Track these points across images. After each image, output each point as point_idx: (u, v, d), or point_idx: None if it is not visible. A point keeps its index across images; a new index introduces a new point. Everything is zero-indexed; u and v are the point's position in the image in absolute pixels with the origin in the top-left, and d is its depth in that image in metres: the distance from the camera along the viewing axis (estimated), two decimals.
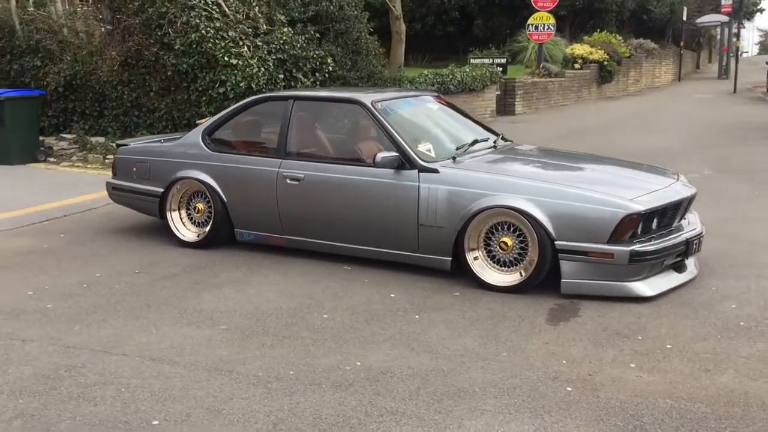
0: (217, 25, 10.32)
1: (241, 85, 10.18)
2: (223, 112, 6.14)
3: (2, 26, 12.72)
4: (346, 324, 4.31)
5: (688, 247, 4.87)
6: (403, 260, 5.28)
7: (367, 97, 5.50)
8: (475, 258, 4.96)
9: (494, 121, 16.31)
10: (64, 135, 12.07)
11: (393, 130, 5.26)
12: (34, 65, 12.39)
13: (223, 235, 5.96)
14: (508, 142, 6.06)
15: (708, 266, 5.36)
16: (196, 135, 6.13)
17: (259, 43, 10.50)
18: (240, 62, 10.25)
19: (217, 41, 10.25)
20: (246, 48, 10.41)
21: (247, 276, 5.28)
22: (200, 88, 10.51)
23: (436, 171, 5.07)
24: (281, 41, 10.60)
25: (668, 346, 3.96)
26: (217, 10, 10.46)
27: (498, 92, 17.50)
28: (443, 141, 5.57)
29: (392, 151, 5.14)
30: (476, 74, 15.55)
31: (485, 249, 4.97)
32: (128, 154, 6.46)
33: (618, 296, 4.66)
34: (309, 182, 5.48)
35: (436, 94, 6.50)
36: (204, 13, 10.34)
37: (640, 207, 4.58)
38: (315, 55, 10.99)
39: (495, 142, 5.80)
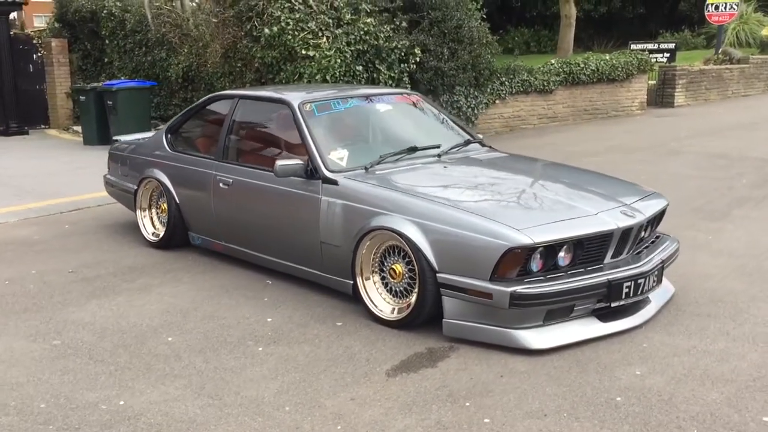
0: (298, 16, 10.18)
1: (316, 77, 10.00)
2: (185, 110, 5.98)
3: (141, 20, 13.61)
4: (174, 352, 3.94)
5: (611, 291, 3.88)
6: (313, 279, 4.78)
7: (297, 97, 5.03)
8: (368, 284, 4.35)
9: (642, 114, 14.76)
10: None
11: (309, 134, 4.76)
12: (161, 57, 13.15)
13: (178, 236, 5.80)
14: (474, 149, 5.26)
15: (680, 312, 4.32)
16: (161, 133, 6.03)
17: (338, 34, 10.21)
18: (317, 54, 10.06)
19: (296, 33, 10.13)
20: (325, 39, 10.18)
21: (162, 283, 5.07)
22: (283, 81, 10.47)
23: (335, 183, 4.51)
24: (363, 31, 10.23)
25: (486, 420, 3.15)
26: (300, 0, 10.31)
27: (653, 82, 15.77)
28: (373, 148, 4.95)
29: (295, 159, 4.65)
30: (618, 62, 14.09)
31: (380, 275, 4.34)
32: (117, 150, 6.52)
33: (505, 345, 3.84)
34: (236, 188, 5.15)
35: (410, 92, 5.80)
36: (287, 5, 10.25)
37: (526, 239, 3.70)
38: (400, 46, 10.50)
39: (447, 150, 5.03)
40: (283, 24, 10.15)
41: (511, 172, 4.77)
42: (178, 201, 5.68)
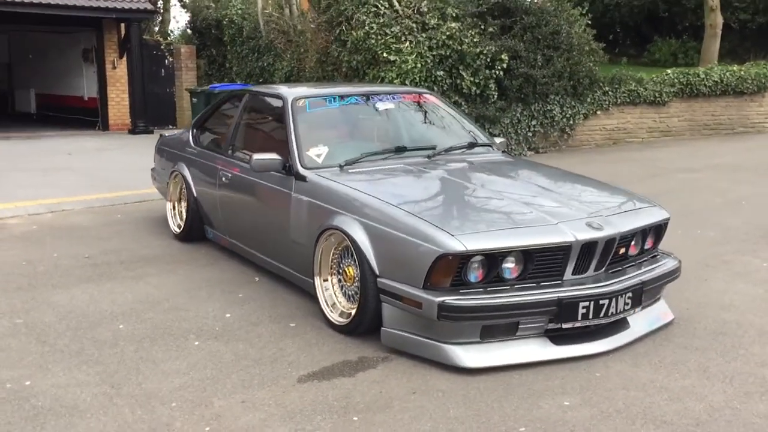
0: (382, 20, 10.12)
1: (395, 82, 9.88)
2: (209, 106, 6.04)
3: (256, 27, 14.11)
4: (114, 339, 3.92)
5: (563, 310, 3.45)
6: (288, 277, 4.66)
7: (292, 93, 4.93)
8: (325, 286, 4.16)
9: None
10: None
11: (293, 129, 4.64)
12: (268, 62, 13.55)
13: (195, 230, 5.86)
14: (478, 152, 4.91)
15: (666, 342, 3.81)
16: (188, 129, 6.13)
17: (421, 39, 10.04)
18: (398, 59, 9.94)
19: (379, 37, 10.07)
20: (408, 44, 10.05)
21: (157, 273, 5.13)
22: None
23: (304, 179, 4.36)
24: (445, 36, 9.99)
25: None
26: (387, 5, 10.25)
27: None
28: (361, 147, 4.72)
29: (272, 154, 4.53)
30: (748, 74, 12.90)
31: (338, 277, 4.13)
32: (160, 145, 6.71)
33: (438, 361, 3.52)
34: (233, 182, 5.13)
35: (423, 91, 5.50)
36: (373, 9, 10.23)
37: (459, 246, 3.37)
38: (486, 51, 10.15)
39: (440, 151, 4.73)
40: (367, 28, 10.13)
41: (494, 176, 4.39)
42: (195, 195, 5.75)
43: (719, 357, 3.61)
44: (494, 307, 3.39)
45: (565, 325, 3.50)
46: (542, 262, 3.53)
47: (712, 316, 4.19)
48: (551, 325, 3.53)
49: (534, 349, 3.52)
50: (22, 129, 15.44)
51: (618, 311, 3.61)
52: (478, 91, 10.24)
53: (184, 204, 6.14)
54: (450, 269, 3.40)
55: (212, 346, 3.84)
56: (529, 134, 10.90)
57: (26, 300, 4.57)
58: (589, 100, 11.48)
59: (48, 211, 7.31)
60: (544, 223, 3.60)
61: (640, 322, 3.84)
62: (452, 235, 3.41)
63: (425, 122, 5.17)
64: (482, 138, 5.13)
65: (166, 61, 16.57)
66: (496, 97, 10.43)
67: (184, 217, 5.98)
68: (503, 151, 5.13)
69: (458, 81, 10.15)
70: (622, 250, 3.79)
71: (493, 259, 3.45)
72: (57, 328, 4.11)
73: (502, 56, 10.22)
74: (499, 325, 3.47)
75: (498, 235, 3.47)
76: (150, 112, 15.39)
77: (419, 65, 9.84)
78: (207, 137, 5.90)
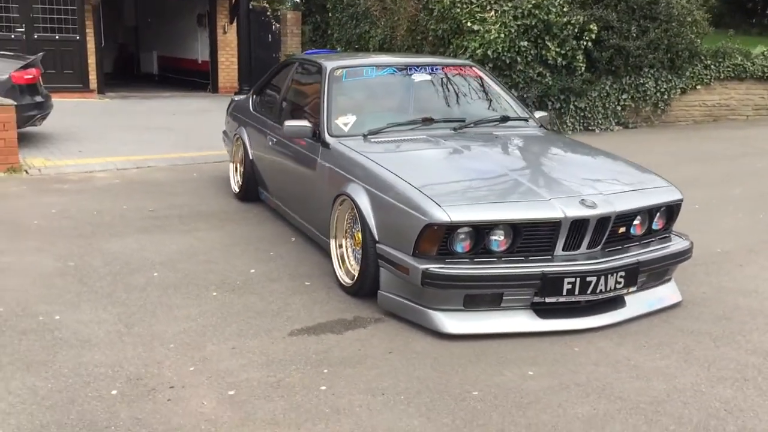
0: None
1: (477, 51, 9.86)
2: (268, 73, 6.32)
3: None
4: (145, 284, 4.30)
5: (546, 285, 3.50)
6: (316, 239, 4.90)
7: (332, 63, 5.12)
8: (339, 249, 4.37)
9: None
10: None
11: (326, 97, 4.85)
12: (364, 30, 13.75)
13: (251, 191, 6.20)
14: (512, 126, 4.95)
15: (663, 323, 3.79)
16: (249, 94, 6.45)
17: (506, 8, 9.93)
18: (481, 28, 9.90)
19: (464, 6, 10.06)
20: (493, 13, 9.97)
21: (207, 228, 5.50)
22: (452, 54, 10.47)
23: (328, 146, 4.57)
24: (531, 5, 9.83)
25: (322, 387, 3.08)
26: None
27: None
28: (390, 117, 4.85)
29: (304, 121, 4.77)
30: None
31: (351, 240, 4.34)
32: (231, 109, 7.09)
33: (422, 325, 3.68)
34: (277, 146, 5.42)
35: (467, 64, 5.54)
36: None
37: (444, 216, 3.48)
38: (574, 21, 9.92)
39: (469, 124, 4.80)
40: None
41: (511, 149, 4.44)
42: (251, 157, 6.08)
43: (711, 342, 3.56)
44: (476, 277, 3.49)
45: (548, 299, 3.55)
46: (531, 237, 3.58)
47: (728, 301, 4.10)
48: (537, 299, 3.59)
49: (517, 321, 3.60)
50: (142, 89, 16.44)
51: (608, 289, 3.62)
52: (564, 63, 10.05)
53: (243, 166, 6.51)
54: (436, 239, 3.53)
55: (227, 297, 4.15)
56: (618, 108, 10.60)
57: (83, 245, 5.06)
58: (687, 74, 11.00)
59: (134, 166, 7.89)
60: (536, 198, 3.64)
61: (638, 302, 3.82)
62: (439, 206, 3.53)
63: (462, 95, 5.22)
64: (519, 112, 5.15)
65: (273, 27, 17.11)
66: (583, 69, 10.18)
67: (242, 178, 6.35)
68: (541, 126, 5.12)
69: (543, 52, 9.99)
70: (622, 229, 3.78)
71: (479, 230, 3.54)
72: (100, 272, 4.55)
73: (591, 26, 9.95)
74: (483, 295, 3.57)
75: (485, 207, 3.56)
76: (256, 76, 15.94)
77: (502, 35, 9.75)
78: (262, 103, 6.20)
